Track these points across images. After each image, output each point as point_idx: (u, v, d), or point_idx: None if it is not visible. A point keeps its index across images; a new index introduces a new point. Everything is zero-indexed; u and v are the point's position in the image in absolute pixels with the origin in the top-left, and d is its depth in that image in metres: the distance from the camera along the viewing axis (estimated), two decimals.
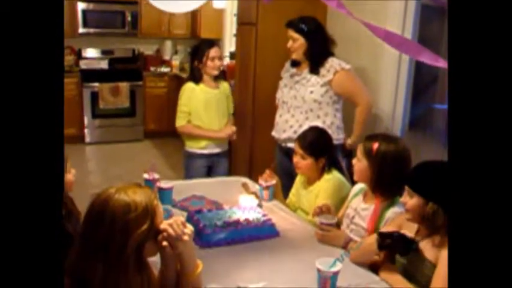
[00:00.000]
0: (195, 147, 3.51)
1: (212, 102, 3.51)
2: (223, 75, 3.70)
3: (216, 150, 3.55)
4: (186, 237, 1.53)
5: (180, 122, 3.52)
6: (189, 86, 3.49)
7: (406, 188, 1.85)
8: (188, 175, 3.55)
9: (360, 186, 2.35)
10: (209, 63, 3.45)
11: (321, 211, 2.31)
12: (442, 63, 1.80)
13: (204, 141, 3.50)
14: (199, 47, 3.54)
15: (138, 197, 1.46)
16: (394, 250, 1.88)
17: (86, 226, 1.47)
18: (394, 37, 2.03)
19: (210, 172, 3.59)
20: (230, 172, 3.86)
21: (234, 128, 3.56)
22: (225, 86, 3.66)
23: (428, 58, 1.82)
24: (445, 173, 1.78)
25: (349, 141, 3.20)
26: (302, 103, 3.14)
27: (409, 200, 1.83)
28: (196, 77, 3.50)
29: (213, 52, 3.45)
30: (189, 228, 1.56)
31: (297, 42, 3.12)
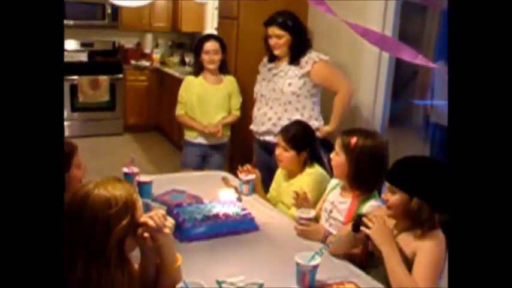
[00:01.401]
0: (189, 136, 3.66)
1: (206, 96, 3.55)
2: (225, 68, 3.66)
3: (206, 142, 3.62)
4: (167, 230, 1.52)
5: (177, 111, 3.67)
6: (188, 78, 3.67)
7: (387, 185, 1.85)
8: (183, 162, 3.72)
9: (337, 180, 2.37)
10: (204, 56, 3.51)
11: (298, 196, 2.33)
12: (421, 60, 1.82)
13: (195, 132, 3.61)
14: (198, 41, 3.61)
15: (117, 191, 1.44)
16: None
17: (65, 222, 1.44)
18: (373, 34, 2.04)
19: (204, 162, 3.68)
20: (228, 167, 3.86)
21: (218, 127, 3.55)
22: (229, 81, 3.65)
23: (407, 55, 1.83)
24: (427, 168, 1.81)
25: (326, 128, 3.18)
26: (280, 95, 3.15)
27: (391, 196, 1.82)
28: (196, 70, 3.64)
29: (208, 46, 3.49)
30: (170, 221, 1.55)
31: (282, 39, 3.12)
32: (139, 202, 1.52)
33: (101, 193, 1.42)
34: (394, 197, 1.81)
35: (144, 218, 1.50)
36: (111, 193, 1.43)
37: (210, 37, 3.65)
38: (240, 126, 3.78)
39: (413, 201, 1.76)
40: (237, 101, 3.68)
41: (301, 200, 2.34)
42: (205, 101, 3.56)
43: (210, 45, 3.50)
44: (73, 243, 1.39)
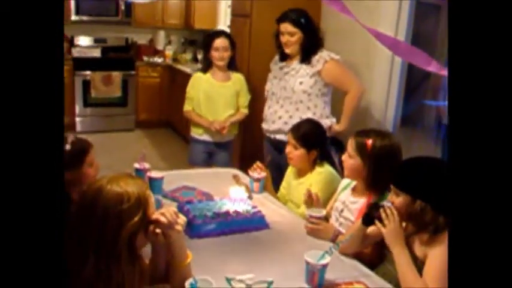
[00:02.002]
0: (195, 132, 3.66)
1: (213, 93, 3.54)
2: (234, 66, 3.62)
3: (211, 139, 3.62)
4: (178, 227, 1.53)
5: (185, 107, 3.67)
6: (196, 74, 3.66)
7: (392, 187, 1.83)
8: (190, 158, 3.73)
9: (348, 179, 2.35)
10: (213, 53, 3.49)
11: (309, 196, 2.32)
12: (433, 67, 1.78)
13: (201, 129, 3.61)
14: (208, 37, 3.60)
15: (130, 187, 1.45)
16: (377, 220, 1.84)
17: (77, 217, 1.45)
18: (386, 38, 2.02)
19: (210, 160, 3.68)
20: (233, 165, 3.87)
21: (223, 124, 3.52)
22: (237, 78, 3.62)
23: (420, 61, 1.81)
24: (430, 169, 1.79)
25: (336, 127, 3.17)
26: (291, 94, 3.15)
27: (396, 199, 1.81)
28: (204, 66, 3.62)
29: (217, 42, 3.47)
30: (182, 218, 1.56)
31: (294, 36, 3.11)
32: (152, 199, 1.53)
33: (114, 188, 1.43)
34: (398, 199, 1.80)
35: (156, 214, 1.51)
36: (123, 189, 1.43)
37: (220, 33, 3.61)
38: (251, 124, 3.78)
39: (416, 203, 1.74)
40: (245, 99, 3.66)
41: (311, 200, 2.33)
42: (212, 98, 3.55)
43: (220, 42, 3.48)
44: (84, 238, 1.40)
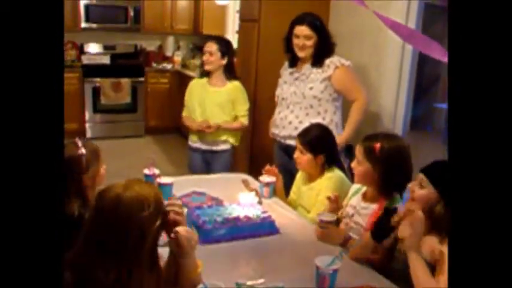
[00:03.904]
0: (191, 140, 3.65)
1: (206, 99, 3.49)
2: (230, 73, 3.52)
3: (204, 147, 3.56)
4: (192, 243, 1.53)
5: (183, 113, 3.66)
6: (194, 80, 3.65)
7: (421, 177, 1.78)
8: (189, 167, 3.70)
9: (358, 184, 2.34)
10: (203, 57, 3.49)
11: (333, 200, 2.33)
12: None
13: (195, 136, 3.58)
14: (203, 42, 3.58)
15: (147, 193, 1.42)
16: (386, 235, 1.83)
17: (95, 225, 1.41)
18: (403, 29, 2.00)
19: (208, 168, 3.59)
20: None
21: (212, 125, 3.41)
22: (233, 86, 3.50)
23: (436, 53, 1.79)
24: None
25: (337, 140, 2.90)
26: (302, 99, 3.13)
27: (418, 190, 1.77)
28: (201, 71, 3.63)
29: (205, 46, 3.46)
30: (195, 236, 1.56)
31: (311, 40, 3.08)
32: (164, 201, 1.52)
33: (133, 195, 1.39)
34: (422, 191, 1.76)
35: (179, 228, 1.50)
36: (142, 195, 1.40)
37: (210, 38, 3.59)
38: (261, 129, 3.77)
39: (439, 204, 1.72)
40: (242, 108, 3.51)
41: (333, 203, 2.32)
42: (204, 103, 3.49)
43: (207, 46, 3.45)
44: (105, 247, 1.37)
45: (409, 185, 1.84)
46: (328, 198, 2.35)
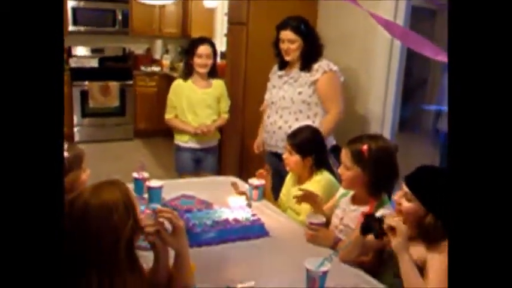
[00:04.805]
0: (180, 140, 3.65)
1: (196, 100, 3.56)
2: (215, 73, 3.63)
3: (198, 145, 3.62)
4: (180, 223, 1.53)
5: (167, 115, 3.68)
6: (177, 82, 3.64)
7: (405, 190, 1.76)
8: (177, 167, 3.71)
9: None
10: (196, 60, 3.50)
11: (306, 196, 2.33)
12: (442, 57, 1.79)
13: (186, 136, 3.60)
14: (191, 44, 3.60)
15: (113, 195, 1.42)
16: (373, 231, 1.80)
17: (69, 237, 1.36)
18: (396, 27, 2.02)
19: (197, 166, 3.66)
20: (220, 170, 3.88)
21: (210, 127, 3.55)
22: (218, 85, 3.64)
23: (429, 51, 1.82)
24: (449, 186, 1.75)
25: None
26: (291, 104, 3.14)
27: (405, 202, 1.75)
28: (185, 73, 3.61)
29: (201, 49, 3.48)
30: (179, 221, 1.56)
31: (295, 44, 3.09)
32: (135, 199, 1.51)
33: (99, 202, 1.39)
34: (409, 205, 1.74)
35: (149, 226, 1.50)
36: (109, 199, 1.40)
37: (204, 41, 3.59)
38: (250, 133, 3.77)
39: (428, 216, 1.70)
40: (225, 104, 3.70)
41: (310, 199, 2.32)
42: (195, 105, 3.56)
43: (204, 49, 3.48)
44: (81, 256, 1.37)
45: (395, 197, 1.82)
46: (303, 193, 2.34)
